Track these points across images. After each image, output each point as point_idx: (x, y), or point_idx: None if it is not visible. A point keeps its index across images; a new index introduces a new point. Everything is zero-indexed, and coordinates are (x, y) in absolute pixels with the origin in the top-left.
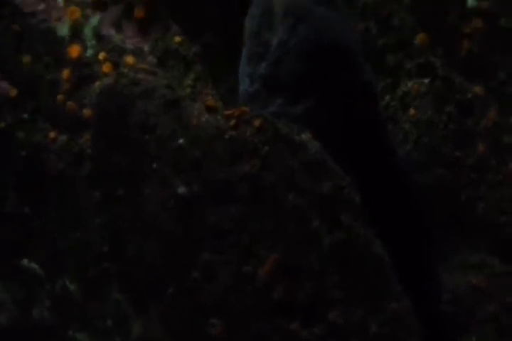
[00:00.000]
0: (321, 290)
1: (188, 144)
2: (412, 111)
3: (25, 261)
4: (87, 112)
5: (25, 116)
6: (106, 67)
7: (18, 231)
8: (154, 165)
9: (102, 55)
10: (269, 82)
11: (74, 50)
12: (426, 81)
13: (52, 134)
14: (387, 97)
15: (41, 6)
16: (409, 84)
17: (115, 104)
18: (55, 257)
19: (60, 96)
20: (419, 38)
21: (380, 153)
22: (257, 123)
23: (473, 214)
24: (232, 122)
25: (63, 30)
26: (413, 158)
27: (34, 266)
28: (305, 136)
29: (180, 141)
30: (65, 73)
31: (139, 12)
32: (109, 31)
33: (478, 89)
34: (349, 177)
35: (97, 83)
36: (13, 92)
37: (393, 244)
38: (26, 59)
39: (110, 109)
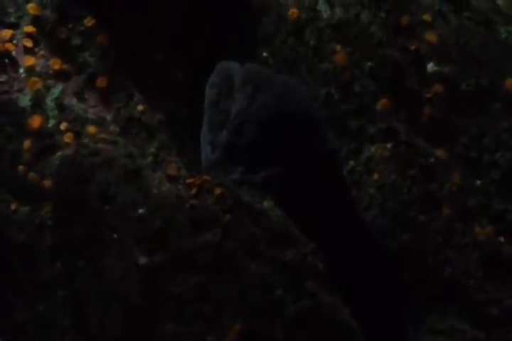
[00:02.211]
0: None
1: (149, 214)
2: (376, 175)
3: None
4: (47, 183)
5: None
6: (67, 138)
7: None
8: (115, 236)
9: (63, 126)
10: (230, 150)
11: (35, 121)
12: (389, 145)
13: (13, 206)
14: (352, 162)
15: (2, 78)
16: (373, 148)
17: (75, 175)
18: (17, 329)
19: (21, 167)
20: (381, 103)
21: (346, 219)
22: (217, 191)
23: (441, 278)
24: (194, 191)
25: (25, 101)
26: (379, 223)
27: None
28: (267, 204)
29: (141, 210)
30: (26, 144)
31: (101, 82)
32: (72, 101)
33: (441, 152)
34: (313, 244)
35: (58, 154)
36: None
37: (363, 310)
38: None
39: (70, 180)
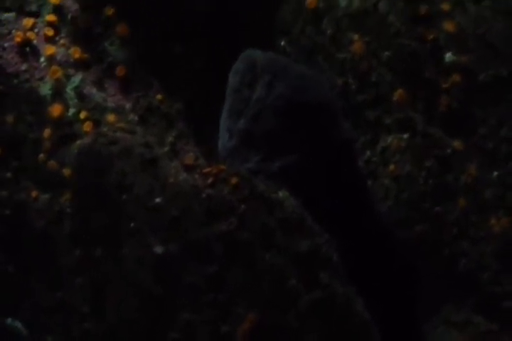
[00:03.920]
0: None
1: (165, 203)
2: (391, 166)
3: (9, 320)
4: (66, 171)
5: (9, 174)
6: (87, 126)
7: (2, 290)
8: (132, 225)
9: (83, 114)
10: (247, 138)
11: (56, 110)
12: (405, 136)
13: (34, 193)
14: (368, 153)
15: (24, 66)
16: (389, 139)
17: (93, 164)
18: (38, 316)
19: (41, 156)
20: (398, 94)
21: (361, 210)
22: (233, 181)
23: (455, 271)
24: (210, 180)
25: (45, 89)
26: (394, 214)
27: (18, 324)
28: (282, 194)
29: (158, 200)
30: (47, 132)
31: (120, 71)
32: (91, 90)
33: (457, 144)
34: (327, 235)
35: (77, 142)
36: None
37: (376, 302)
38: (9, 118)
39: (88, 169)
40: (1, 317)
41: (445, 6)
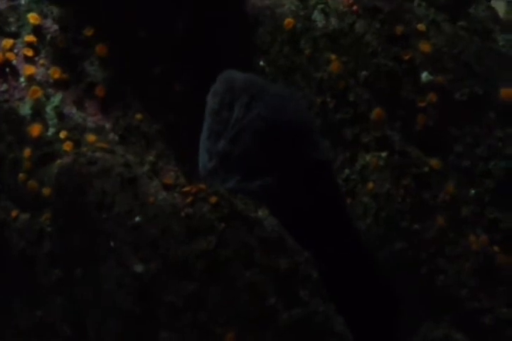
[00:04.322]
0: None
1: (145, 222)
2: (370, 184)
3: None
4: (46, 191)
5: None
6: (67, 146)
7: None
8: (111, 244)
9: (63, 134)
10: (226, 158)
11: (35, 129)
12: (383, 154)
13: (14, 213)
14: (347, 171)
15: (3, 87)
16: (367, 157)
17: (73, 183)
18: (19, 335)
19: (21, 175)
20: (375, 113)
21: (340, 227)
22: (213, 200)
23: (434, 287)
24: (189, 199)
25: (25, 109)
26: (373, 231)
27: None
28: (261, 213)
29: (137, 218)
30: (27, 152)
31: (100, 91)
32: (71, 110)
33: (434, 162)
34: (307, 253)
35: (56, 162)
36: None
37: (356, 320)
38: None
39: (68, 188)
40: None
41: (421, 27)
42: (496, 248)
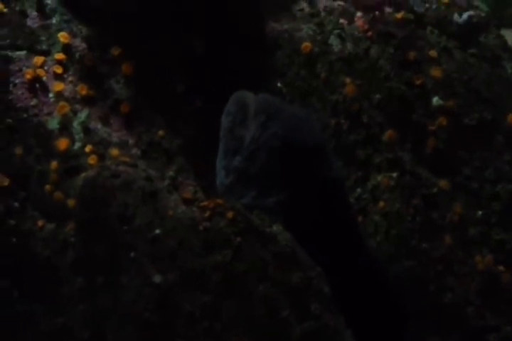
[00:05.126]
0: None
1: (164, 234)
2: (381, 203)
3: None
4: (71, 202)
5: (16, 204)
6: (91, 159)
7: (6, 314)
8: (132, 254)
9: (88, 148)
10: (243, 175)
11: (62, 143)
12: (394, 175)
13: (40, 223)
14: (359, 190)
15: (33, 102)
16: (379, 177)
17: (97, 196)
18: (40, 340)
19: (47, 187)
20: (388, 134)
21: (351, 244)
22: (230, 215)
23: (441, 305)
24: (207, 214)
25: (53, 124)
26: (383, 249)
27: None
28: (276, 228)
29: (157, 231)
30: (53, 164)
31: (124, 108)
32: (97, 125)
33: (443, 183)
34: (318, 268)
35: (82, 175)
36: (5, 182)
37: (365, 334)
38: (18, 150)
39: (92, 200)
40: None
41: (432, 53)
42: (501, 267)
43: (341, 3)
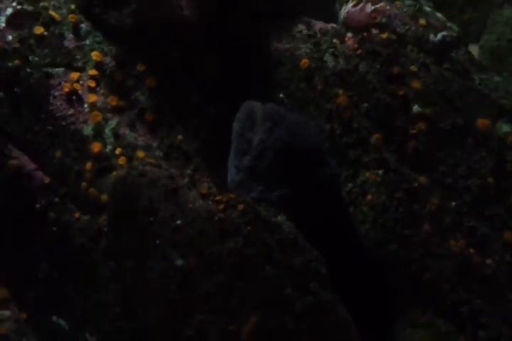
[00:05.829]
0: None
1: (185, 225)
2: (369, 196)
3: (54, 318)
4: (104, 197)
5: (56, 199)
6: (121, 161)
7: (49, 292)
8: (157, 242)
9: (118, 151)
10: (251, 172)
11: (96, 147)
12: (380, 172)
13: (77, 215)
14: (350, 185)
15: (70, 111)
16: (367, 174)
17: (126, 192)
18: (77, 315)
19: (83, 184)
20: (375, 138)
21: (344, 231)
22: (241, 207)
23: (421, 282)
24: (221, 206)
25: (88, 130)
26: (371, 235)
27: (61, 321)
28: (280, 218)
29: (178, 222)
30: (88, 165)
31: (149, 116)
32: (125, 131)
33: (422, 179)
34: (317, 252)
35: (113, 174)
36: (47, 180)
37: (357, 307)
38: (58, 153)
39: (122, 196)
40: (47, 316)
41: (413, 68)
42: (472, 250)
43: (334, 25)
